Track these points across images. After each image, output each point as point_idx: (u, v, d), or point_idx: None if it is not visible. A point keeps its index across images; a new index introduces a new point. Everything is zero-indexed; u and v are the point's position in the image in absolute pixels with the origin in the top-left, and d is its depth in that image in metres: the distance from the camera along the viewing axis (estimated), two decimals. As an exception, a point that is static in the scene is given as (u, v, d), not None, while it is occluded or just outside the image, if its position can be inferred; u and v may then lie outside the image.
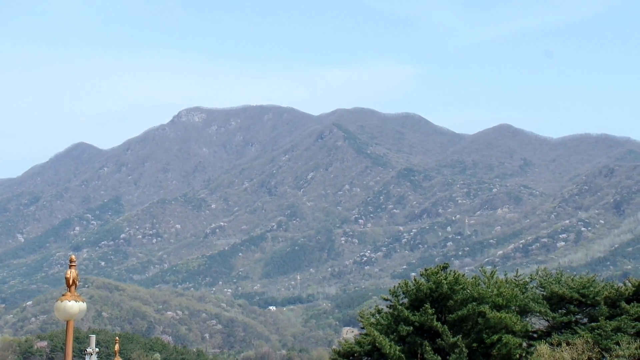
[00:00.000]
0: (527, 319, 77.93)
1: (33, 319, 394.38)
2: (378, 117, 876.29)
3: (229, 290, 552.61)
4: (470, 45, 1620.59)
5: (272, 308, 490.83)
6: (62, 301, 21.65)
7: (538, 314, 77.33)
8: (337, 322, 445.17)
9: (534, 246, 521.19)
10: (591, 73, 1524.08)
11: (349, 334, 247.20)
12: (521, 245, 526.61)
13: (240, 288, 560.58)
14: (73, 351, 21.81)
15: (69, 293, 21.77)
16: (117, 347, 44.90)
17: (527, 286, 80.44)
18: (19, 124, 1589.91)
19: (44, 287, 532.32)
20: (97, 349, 33.95)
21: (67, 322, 22.16)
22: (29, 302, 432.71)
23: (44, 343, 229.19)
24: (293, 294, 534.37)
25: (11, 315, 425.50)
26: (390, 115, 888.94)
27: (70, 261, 22.20)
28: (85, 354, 33.32)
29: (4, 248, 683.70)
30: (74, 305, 21.66)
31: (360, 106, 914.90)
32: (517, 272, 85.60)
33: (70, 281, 21.92)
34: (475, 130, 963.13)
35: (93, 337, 34.30)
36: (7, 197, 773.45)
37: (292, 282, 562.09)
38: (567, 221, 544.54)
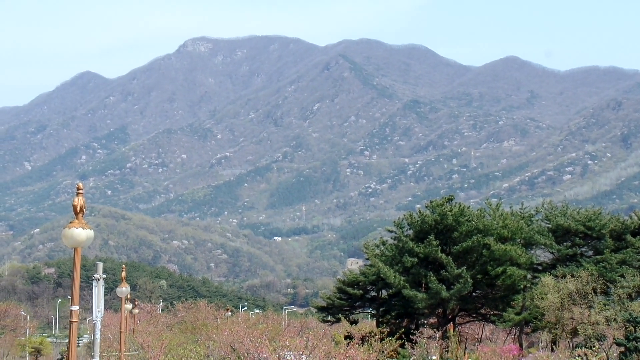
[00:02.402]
0: (532, 252, 78.15)
1: (40, 246, 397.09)
2: (384, 48, 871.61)
3: (235, 220, 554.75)
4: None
5: (277, 238, 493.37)
6: (69, 228, 21.58)
7: (543, 246, 77.53)
8: (342, 253, 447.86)
9: (539, 179, 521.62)
10: (600, 4, 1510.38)
11: (354, 264, 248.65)
12: (527, 178, 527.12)
13: (245, 218, 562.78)
14: (80, 278, 21.89)
15: (76, 220, 21.69)
16: (123, 274, 45.14)
17: (532, 219, 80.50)
18: (26, 52, 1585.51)
19: (51, 214, 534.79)
20: (104, 276, 34.08)
21: (75, 249, 22.17)
22: (37, 230, 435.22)
23: (52, 270, 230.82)
24: (298, 225, 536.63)
25: (19, 243, 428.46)
26: (397, 47, 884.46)
27: (78, 189, 22.08)
28: (92, 280, 33.43)
29: (11, 176, 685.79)
30: (81, 233, 21.59)
31: (367, 37, 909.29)
32: (522, 204, 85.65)
33: (78, 209, 21.82)
34: (482, 62, 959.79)
35: (100, 265, 34.39)
36: (14, 125, 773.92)
37: (297, 213, 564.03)
38: (574, 154, 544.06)
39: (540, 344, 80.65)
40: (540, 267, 78.11)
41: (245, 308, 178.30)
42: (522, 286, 72.22)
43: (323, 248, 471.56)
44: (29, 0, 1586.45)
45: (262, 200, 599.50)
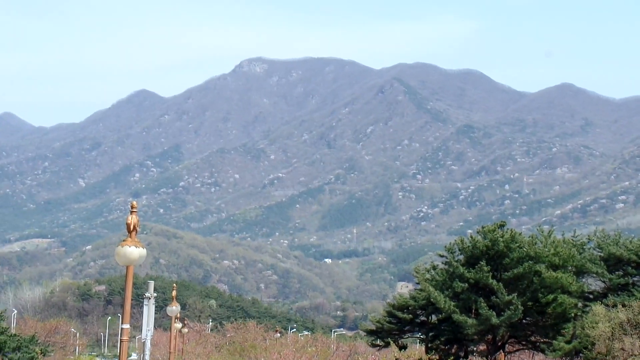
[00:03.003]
0: (584, 280, 77.40)
1: (92, 263, 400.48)
2: (439, 72, 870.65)
3: (285, 241, 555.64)
4: (534, 0, 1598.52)
5: (328, 261, 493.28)
6: (122, 246, 21.98)
7: (594, 275, 76.75)
8: (392, 277, 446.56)
9: (592, 207, 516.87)
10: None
11: (404, 288, 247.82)
12: (579, 206, 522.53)
13: (296, 240, 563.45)
14: (131, 296, 22.23)
15: (129, 239, 22.08)
16: (174, 293, 45.58)
17: (584, 247, 79.78)
18: (82, 70, 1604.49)
19: (103, 232, 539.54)
20: (155, 295, 34.47)
21: (127, 267, 22.52)
22: (89, 247, 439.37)
23: (102, 287, 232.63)
24: (349, 248, 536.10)
25: (71, 259, 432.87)
26: (452, 71, 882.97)
27: (132, 207, 22.48)
28: (144, 299, 33.81)
29: (65, 192, 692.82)
30: (134, 251, 21.99)
31: (422, 61, 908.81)
32: (574, 232, 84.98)
33: (131, 227, 22.22)
34: (537, 88, 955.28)
35: (151, 283, 34.84)
36: (69, 142, 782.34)
37: (349, 236, 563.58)
38: (627, 182, 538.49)
39: (591, 374, 79.74)
40: (591, 296, 77.32)
41: (294, 329, 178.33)
42: (572, 315, 71.52)
43: (373, 271, 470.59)
44: (87, 17, 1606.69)
45: (314, 221, 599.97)
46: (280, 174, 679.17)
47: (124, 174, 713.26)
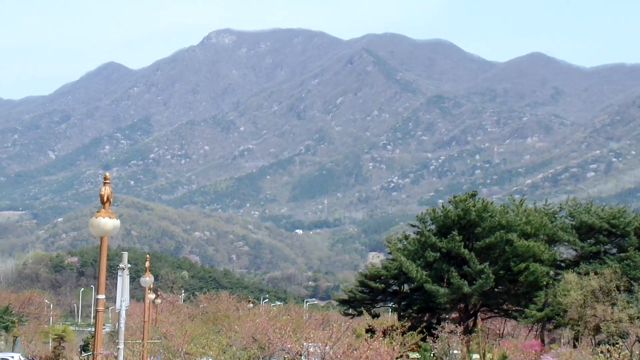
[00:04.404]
0: (556, 248, 78.08)
1: (64, 235, 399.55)
2: (408, 42, 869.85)
3: (256, 212, 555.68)
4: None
5: (299, 231, 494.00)
6: (96, 217, 21.86)
7: (567, 243, 77.43)
8: (364, 247, 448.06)
9: (563, 176, 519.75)
10: (628, 0, 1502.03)
11: (375, 258, 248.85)
12: (550, 175, 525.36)
13: (267, 211, 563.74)
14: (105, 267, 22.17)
15: (103, 210, 21.95)
16: (147, 264, 45.49)
17: (556, 215, 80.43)
18: (50, 42, 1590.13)
19: (74, 204, 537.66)
20: (129, 266, 34.33)
21: (101, 238, 22.41)
22: (60, 219, 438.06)
23: (75, 259, 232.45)
24: (320, 218, 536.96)
25: (43, 231, 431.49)
26: (421, 41, 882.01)
27: (105, 178, 22.35)
28: (117, 270, 33.65)
29: (35, 164, 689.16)
30: (108, 222, 21.89)
31: (391, 31, 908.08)
32: (546, 201, 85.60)
33: (105, 198, 22.09)
34: (507, 58, 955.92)
35: (125, 254, 34.63)
36: (39, 115, 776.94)
37: (319, 206, 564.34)
38: (598, 151, 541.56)
39: (562, 341, 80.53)
40: (563, 264, 77.99)
41: (267, 300, 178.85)
42: (544, 283, 72.15)
43: (344, 242, 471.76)
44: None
45: (284, 193, 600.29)
46: (250, 146, 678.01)
47: (94, 147, 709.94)
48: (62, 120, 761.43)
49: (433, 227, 77.31)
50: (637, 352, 53.86)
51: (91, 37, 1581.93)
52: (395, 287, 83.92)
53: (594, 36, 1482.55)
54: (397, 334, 42.70)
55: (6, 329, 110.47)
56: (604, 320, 59.88)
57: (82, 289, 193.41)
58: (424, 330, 61.07)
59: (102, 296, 22.29)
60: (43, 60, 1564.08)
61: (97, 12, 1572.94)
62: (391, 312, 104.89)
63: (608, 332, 58.54)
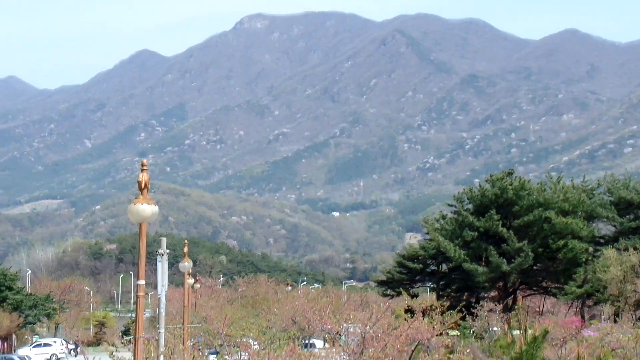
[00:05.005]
0: (594, 225, 77.67)
1: (102, 223, 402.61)
2: (441, 22, 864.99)
3: (293, 196, 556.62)
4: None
5: (336, 214, 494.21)
6: (135, 204, 21.96)
7: (605, 219, 77.01)
8: (400, 228, 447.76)
9: (600, 152, 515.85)
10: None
11: (412, 239, 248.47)
12: (587, 152, 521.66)
13: (303, 194, 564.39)
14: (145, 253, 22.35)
15: (141, 196, 22.06)
16: (185, 249, 45.71)
17: (594, 192, 79.95)
18: (84, 31, 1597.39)
19: (111, 191, 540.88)
20: (167, 251, 34.59)
21: (140, 224, 22.54)
22: (98, 207, 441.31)
23: (113, 246, 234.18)
24: (356, 200, 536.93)
25: (81, 219, 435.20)
26: (454, 21, 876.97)
27: (142, 165, 22.44)
28: (157, 255, 33.89)
29: (72, 153, 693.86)
30: (146, 209, 21.98)
31: (423, 12, 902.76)
32: (583, 178, 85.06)
33: (143, 184, 22.18)
34: (541, 35, 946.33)
35: (164, 240, 34.90)
36: (74, 104, 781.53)
37: (355, 189, 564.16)
38: (635, 127, 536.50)
39: (603, 317, 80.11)
40: (602, 241, 77.58)
41: (305, 283, 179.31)
42: (583, 259, 71.86)
43: (381, 223, 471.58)
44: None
45: (320, 176, 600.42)
46: (285, 129, 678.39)
47: (130, 134, 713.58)
48: (97, 109, 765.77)
49: (470, 206, 77.23)
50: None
51: (124, 25, 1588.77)
52: (433, 267, 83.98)
53: (629, 11, 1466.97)
54: (436, 314, 42.67)
55: (48, 316, 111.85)
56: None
57: (121, 275, 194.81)
58: (463, 309, 61.00)
59: (142, 282, 22.46)
60: (77, 49, 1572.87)
61: (129, 0, 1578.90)
62: (430, 292, 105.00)
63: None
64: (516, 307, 64.16)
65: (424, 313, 46.58)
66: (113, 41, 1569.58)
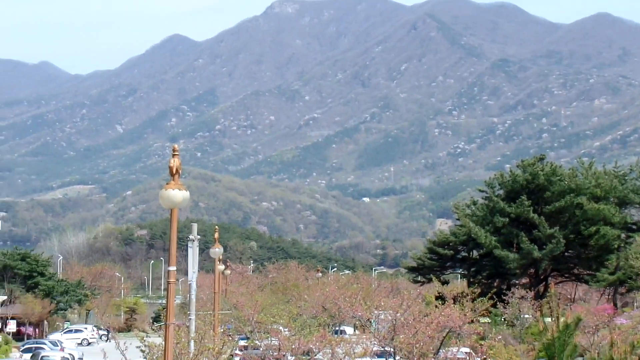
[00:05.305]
0: (627, 211, 77.08)
1: (133, 209, 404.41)
2: (472, 6, 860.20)
3: (323, 181, 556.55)
4: None
5: (366, 199, 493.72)
6: (166, 190, 21.98)
7: (638, 205, 76.40)
8: (431, 214, 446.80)
9: (632, 137, 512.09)
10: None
11: (443, 225, 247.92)
12: (619, 137, 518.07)
13: (334, 179, 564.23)
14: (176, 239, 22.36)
15: (172, 182, 22.06)
16: (216, 235, 45.78)
17: (626, 178, 79.29)
18: (115, 16, 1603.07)
19: (142, 177, 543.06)
20: (198, 237, 34.62)
21: (171, 210, 22.56)
22: (129, 192, 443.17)
23: (144, 231, 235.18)
24: (387, 186, 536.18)
25: (112, 205, 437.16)
26: (484, 5, 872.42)
27: (174, 150, 22.46)
28: (188, 241, 33.96)
29: (104, 138, 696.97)
30: (177, 194, 22.00)
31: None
32: (615, 163, 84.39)
33: (174, 170, 22.20)
34: (573, 19, 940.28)
35: (194, 225, 35.01)
36: (105, 89, 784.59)
37: (386, 174, 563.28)
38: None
39: (635, 304, 79.64)
40: (634, 227, 77.02)
41: (335, 269, 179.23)
42: (615, 246, 71.38)
43: (412, 209, 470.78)
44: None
45: (351, 161, 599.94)
46: (316, 115, 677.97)
47: (161, 119, 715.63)
48: (129, 94, 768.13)
49: (501, 192, 76.93)
50: None
51: (156, 9, 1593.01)
52: (464, 254, 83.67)
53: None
54: (467, 301, 42.57)
55: (79, 302, 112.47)
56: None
57: (152, 261, 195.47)
58: (494, 296, 60.79)
59: (173, 268, 22.48)
60: (109, 34, 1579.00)
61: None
62: (460, 278, 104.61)
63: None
64: (548, 294, 63.95)
65: (454, 300, 46.50)
66: (145, 26, 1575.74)
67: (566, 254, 74.51)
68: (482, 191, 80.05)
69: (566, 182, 72.09)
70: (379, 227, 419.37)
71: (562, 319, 19.13)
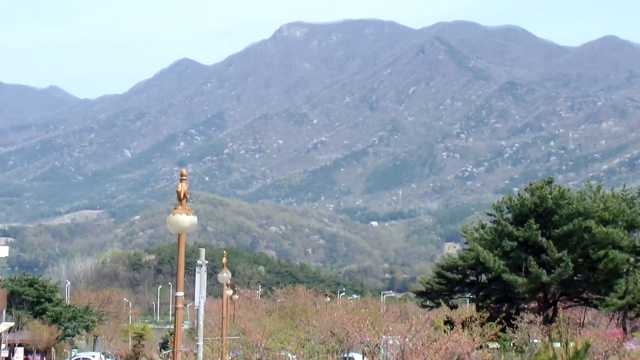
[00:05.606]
0: (635, 235, 76.80)
1: (141, 233, 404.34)
2: (479, 29, 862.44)
3: (331, 205, 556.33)
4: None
5: (374, 223, 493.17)
6: (173, 214, 21.95)
7: (646, 229, 76.12)
8: (439, 238, 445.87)
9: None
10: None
11: (451, 249, 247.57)
12: (627, 160, 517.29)
13: (342, 203, 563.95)
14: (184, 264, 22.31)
15: (180, 207, 22.05)
16: (224, 260, 45.68)
17: (634, 201, 79.07)
18: (124, 41, 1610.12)
19: (150, 201, 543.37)
20: (206, 262, 34.59)
21: (179, 235, 22.52)
22: (137, 217, 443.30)
23: (152, 256, 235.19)
24: (395, 209, 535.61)
25: (120, 229, 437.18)
26: (492, 28, 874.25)
27: (181, 175, 22.45)
28: (195, 266, 33.90)
29: (112, 163, 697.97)
30: (185, 219, 21.97)
31: (461, 19, 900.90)
32: (624, 186, 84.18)
33: (182, 195, 22.19)
34: (580, 42, 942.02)
35: (202, 250, 34.91)
36: (114, 113, 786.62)
37: (394, 198, 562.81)
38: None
39: (645, 329, 79.24)
40: (643, 251, 76.70)
41: (344, 293, 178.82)
42: (624, 270, 71.08)
43: (420, 232, 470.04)
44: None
45: (359, 184, 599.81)
46: (324, 138, 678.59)
47: (169, 143, 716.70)
48: (137, 118, 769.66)
49: (509, 215, 76.72)
50: None
51: (164, 34, 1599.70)
52: (472, 278, 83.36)
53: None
54: (476, 325, 42.48)
55: (87, 328, 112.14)
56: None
57: (160, 286, 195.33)
58: (503, 320, 60.55)
59: (181, 293, 22.43)
60: (117, 59, 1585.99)
61: (168, 9, 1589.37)
62: (469, 303, 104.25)
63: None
64: (557, 318, 63.61)
65: (463, 324, 46.37)
66: (153, 50, 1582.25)
67: (575, 278, 74.23)
68: (490, 215, 79.84)
69: (574, 206, 71.94)
70: (387, 251, 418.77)
71: (571, 344, 19.08)
